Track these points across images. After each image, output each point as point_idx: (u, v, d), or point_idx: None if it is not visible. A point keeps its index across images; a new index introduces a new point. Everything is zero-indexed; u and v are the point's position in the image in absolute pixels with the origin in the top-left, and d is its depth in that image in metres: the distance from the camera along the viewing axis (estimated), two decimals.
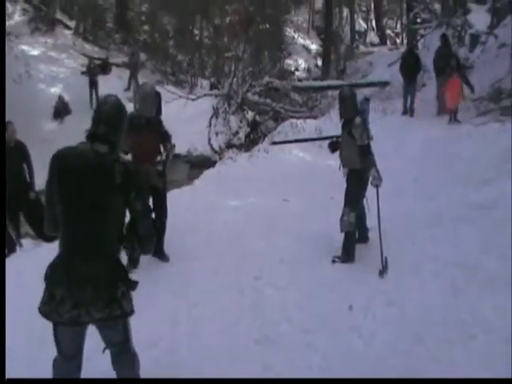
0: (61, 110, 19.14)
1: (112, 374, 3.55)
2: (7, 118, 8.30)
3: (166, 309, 5.37)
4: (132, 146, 6.07)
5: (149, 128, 6.30)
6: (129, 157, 6.32)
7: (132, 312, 3.33)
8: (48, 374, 3.40)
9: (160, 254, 6.60)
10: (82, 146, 3.23)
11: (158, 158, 6.47)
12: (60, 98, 18.91)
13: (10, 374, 3.63)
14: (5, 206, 4.66)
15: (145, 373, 4.21)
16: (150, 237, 3.36)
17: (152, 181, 6.27)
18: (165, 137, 6.57)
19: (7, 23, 23.89)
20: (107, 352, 3.48)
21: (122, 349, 3.46)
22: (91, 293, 3.08)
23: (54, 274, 3.15)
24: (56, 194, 3.15)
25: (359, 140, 6.01)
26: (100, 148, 3.18)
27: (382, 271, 5.88)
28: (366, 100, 12.65)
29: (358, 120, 6.05)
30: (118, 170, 3.13)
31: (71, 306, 3.08)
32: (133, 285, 3.30)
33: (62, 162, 3.17)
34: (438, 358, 4.25)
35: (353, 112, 6.21)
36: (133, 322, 3.77)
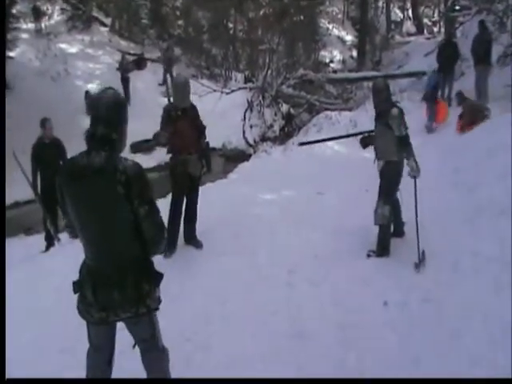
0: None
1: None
2: (46, 115, 8.42)
3: (198, 305, 5.35)
4: (170, 136, 6.28)
5: (185, 118, 6.41)
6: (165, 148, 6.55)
7: (157, 308, 3.34)
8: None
9: (193, 241, 6.74)
10: (83, 158, 3.10)
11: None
12: (87, 93, 19.05)
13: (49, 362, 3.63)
14: (5, 206, 4.65)
15: (176, 369, 4.19)
16: (155, 240, 3.19)
17: (190, 169, 6.45)
18: (200, 128, 6.67)
19: (47, 23, 24.38)
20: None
21: (149, 345, 3.45)
22: (117, 297, 3.13)
23: (83, 277, 3.24)
24: (68, 206, 3.16)
25: (397, 131, 5.85)
26: (98, 157, 3.05)
27: (419, 266, 5.73)
28: (434, 72, 12.49)
29: (395, 111, 5.90)
30: (119, 181, 2.99)
31: (99, 309, 3.17)
32: (157, 280, 3.29)
33: (66, 179, 3.13)
34: (478, 359, 4.07)
35: (387, 103, 6.07)
36: (166, 317, 3.72)
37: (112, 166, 3.02)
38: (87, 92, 18.64)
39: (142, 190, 3.06)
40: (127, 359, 3.70)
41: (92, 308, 3.19)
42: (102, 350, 3.44)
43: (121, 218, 3.08)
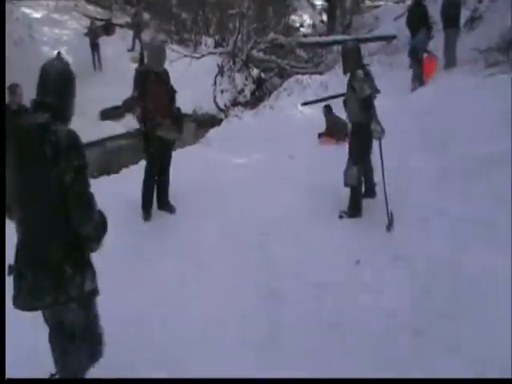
0: None
1: None
2: (9, 82, 8.21)
3: (173, 267, 5.39)
4: (143, 99, 6.29)
5: (159, 82, 6.40)
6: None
7: (78, 297, 3.04)
8: None
9: (167, 206, 6.80)
10: (24, 119, 3.00)
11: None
12: (58, 54, 18.71)
13: None
14: (5, 201, 4.59)
15: (153, 330, 4.27)
16: (77, 218, 2.93)
17: (164, 133, 6.44)
18: (171, 93, 6.66)
19: None
20: None
21: (78, 336, 3.19)
22: (41, 276, 2.93)
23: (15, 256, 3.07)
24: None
25: (360, 93, 5.90)
26: (39, 118, 2.90)
27: (389, 226, 5.83)
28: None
29: (358, 73, 5.95)
30: (48, 141, 2.81)
31: (25, 294, 2.99)
32: (85, 266, 3.08)
33: (9, 138, 2.97)
34: (445, 314, 4.21)
35: (355, 65, 6.09)
36: (139, 280, 3.76)
37: (45, 125, 2.86)
38: (59, 53, 18.36)
39: (70, 154, 2.84)
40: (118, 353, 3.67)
41: (20, 292, 2.99)
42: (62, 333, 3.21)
43: (45, 183, 2.86)
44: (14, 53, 16.37)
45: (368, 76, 6.04)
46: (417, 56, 11.80)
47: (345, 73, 6.28)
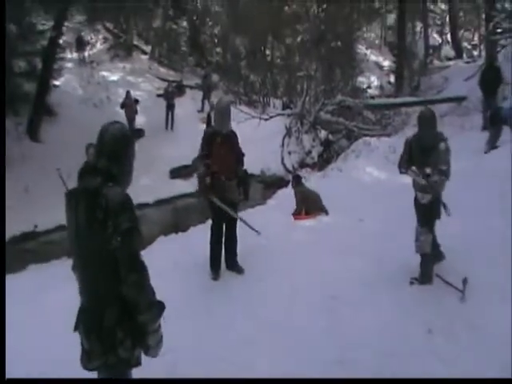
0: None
1: None
2: (90, 141, 8.53)
3: (241, 327, 5.38)
4: (210, 161, 6.41)
5: (226, 143, 6.50)
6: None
7: (130, 363, 3.02)
8: None
9: (235, 266, 6.79)
10: (83, 182, 3.01)
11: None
12: (128, 93, 19.73)
13: None
14: (5, 206, 4.69)
15: None
16: (126, 281, 2.84)
17: (228, 195, 6.53)
18: (239, 155, 6.74)
19: (90, 52, 25.17)
20: None
21: None
22: (92, 340, 2.95)
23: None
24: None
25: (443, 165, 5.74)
26: (90, 182, 2.91)
27: (463, 295, 5.63)
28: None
29: (442, 146, 5.76)
30: (99, 205, 2.81)
31: (83, 352, 3.05)
32: (136, 331, 2.95)
33: (66, 203, 3.04)
34: None
35: (435, 135, 5.85)
36: (208, 336, 3.69)
37: (95, 190, 2.85)
38: (128, 92, 19.40)
39: (119, 217, 2.80)
40: None
41: (81, 351, 3.05)
42: None
43: (98, 247, 2.85)
44: (94, 114, 17.22)
45: (448, 150, 5.85)
46: (499, 120, 11.49)
47: (422, 142, 5.96)
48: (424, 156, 5.84)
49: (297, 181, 10.01)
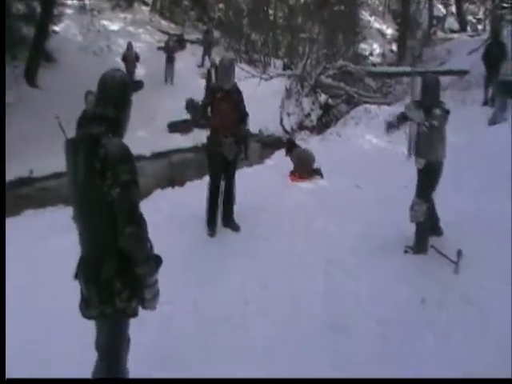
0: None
1: None
2: (88, 89, 8.41)
3: (237, 286, 5.40)
4: (211, 116, 6.48)
5: (228, 100, 6.45)
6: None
7: (126, 313, 3.02)
8: None
9: (231, 224, 6.81)
10: (82, 130, 3.00)
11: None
12: (129, 44, 19.50)
13: None
14: (5, 202, 4.70)
15: (218, 348, 4.26)
16: (123, 232, 2.80)
17: (224, 152, 6.47)
18: (243, 114, 6.67)
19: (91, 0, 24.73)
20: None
21: (102, 355, 3.16)
22: (91, 289, 2.96)
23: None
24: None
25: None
26: (93, 130, 2.88)
27: (457, 267, 5.67)
28: None
29: (437, 112, 5.80)
30: (98, 154, 2.77)
31: (82, 301, 3.08)
32: (133, 283, 2.95)
33: (65, 150, 3.00)
34: None
35: (434, 101, 5.93)
36: (204, 295, 3.72)
37: (96, 138, 2.83)
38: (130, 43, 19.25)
39: (118, 168, 2.77)
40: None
41: (81, 299, 3.09)
42: (96, 346, 3.20)
43: (97, 198, 2.83)
44: (93, 62, 16.99)
45: (444, 115, 5.87)
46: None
47: (422, 106, 6.13)
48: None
49: (290, 146, 10.03)
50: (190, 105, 15.39)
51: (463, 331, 4.58)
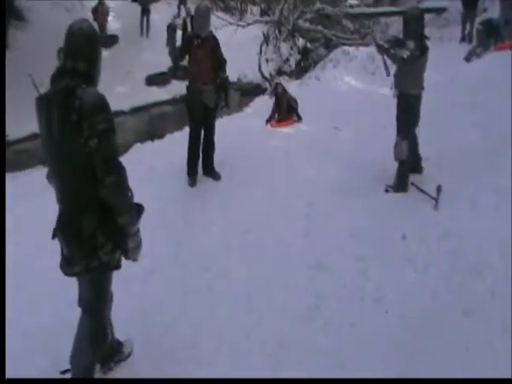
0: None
1: None
2: (61, 46, 8.21)
3: (218, 233, 5.42)
4: (188, 64, 6.45)
5: (204, 47, 6.37)
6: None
7: (110, 265, 3.01)
8: None
9: (212, 173, 6.80)
10: (54, 85, 2.87)
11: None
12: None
13: None
14: (5, 200, 4.69)
15: (199, 295, 4.28)
16: (105, 183, 2.77)
17: (204, 99, 6.41)
18: (221, 60, 6.58)
19: None
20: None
21: (86, 310, 3.15)
22: (73, 246, 2.92)
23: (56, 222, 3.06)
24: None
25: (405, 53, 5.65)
26: (68, 83, 2.79)
27: (436, 202, 5.70)
28: None
29: (409, 44, 5.69)
30: (73, 105, 2.69)
31: (63, 258, 3.05)
32: (115, 235, 2.95)
33: (37, 107, 2.91)
34: (496, 293, 4.06)
35: (413, 35, 5.77)
36: (185, 245, 3.73)
37: (71, 89, 2.75)
38: None
39: (95, 118, 2.71)
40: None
41: (61, 258, 3.05)
42: (79, 302, 3.19)
43: (74, 151, 2.77)
44: (65, 19, 16.54)
45: (423, 49, 5.77)
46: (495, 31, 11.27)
47: (404, 40, 5.93)
48: None
49: (278, 88, 9.87)
50: (169, 29, 15.30)
51: (442, 265, 4.62)
